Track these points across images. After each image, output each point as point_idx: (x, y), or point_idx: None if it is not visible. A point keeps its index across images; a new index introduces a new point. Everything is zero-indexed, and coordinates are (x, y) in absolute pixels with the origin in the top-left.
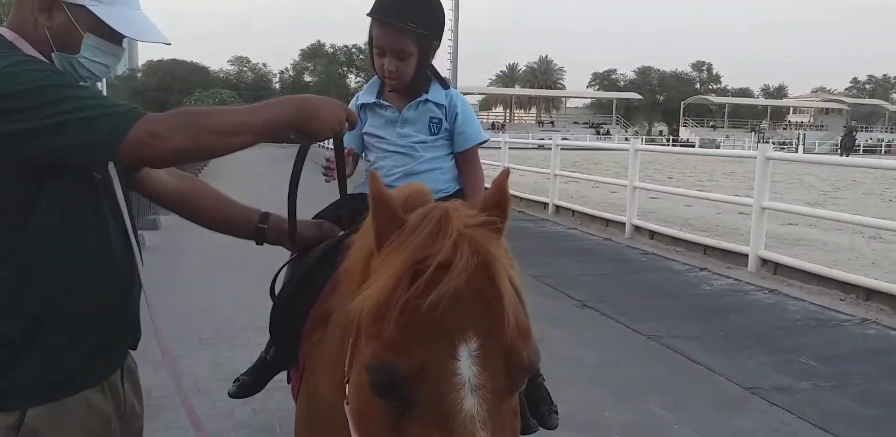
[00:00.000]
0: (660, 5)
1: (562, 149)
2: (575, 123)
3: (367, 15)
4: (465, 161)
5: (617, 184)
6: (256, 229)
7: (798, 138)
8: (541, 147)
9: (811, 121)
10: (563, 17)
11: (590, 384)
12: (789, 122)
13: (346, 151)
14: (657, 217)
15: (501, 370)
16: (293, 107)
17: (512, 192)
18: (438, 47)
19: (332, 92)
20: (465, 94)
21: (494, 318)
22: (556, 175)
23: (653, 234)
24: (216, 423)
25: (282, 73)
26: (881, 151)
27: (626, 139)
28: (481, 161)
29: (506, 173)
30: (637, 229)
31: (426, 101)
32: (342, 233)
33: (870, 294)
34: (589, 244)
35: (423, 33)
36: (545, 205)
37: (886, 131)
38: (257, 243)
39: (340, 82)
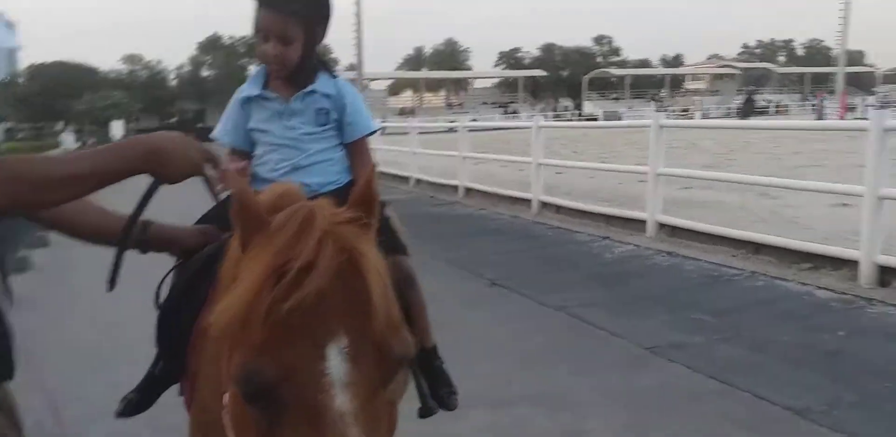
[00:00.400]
0: None
1: (471, 131)
2: (484, 103)
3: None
4: (355, 152)
5: (523, 161)
6: (137, 240)
7: (695, 105)
8: (452, 130)
9: (707, 87)
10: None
11: (500, 359)
12: (686, 89)
13: (242, 165)
14: (563, 191)
15: (373, 364)
16: (133, 153)
17: (423, 177)
18: (325, 35)
19: (235, 84)
20: (372, 79)
21: (364, 314)
22: (464, 157)
23: (558, 208)
24: None
25: (178, 69)
26: (772, 111)
27: (533, 116)
28: (393, 147)
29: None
30: (544, 204)
31: (313, 91)
32: (226, 235)
33: (758, 248)
34: (498, 224)
35: (308, 18)
36: (456, 188)
37: (776, 93)
38: (141, 252)
39: (241, 75)
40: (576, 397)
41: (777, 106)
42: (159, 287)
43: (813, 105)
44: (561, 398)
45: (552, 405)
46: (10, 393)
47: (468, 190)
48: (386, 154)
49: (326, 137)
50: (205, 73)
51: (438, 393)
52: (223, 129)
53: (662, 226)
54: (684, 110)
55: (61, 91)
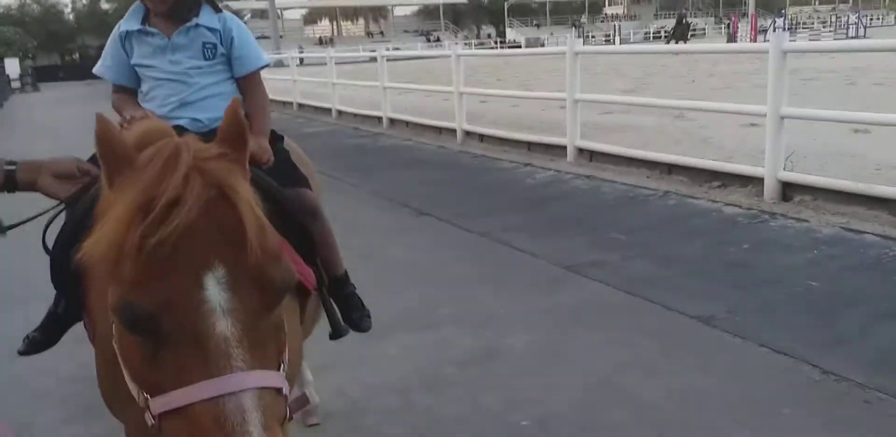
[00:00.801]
0: None
1: (391, 60)
2: (406, 31)
3: None
4: (247, 85)
5: (444, 91)
6: (5, 173)
7: (614, 30)
8: (373, 60)
9: (625, 12)
10: None
11: (425, 286)
12: (606, 14)
13: (143, 113)
14: (487, 120)
15: (253, 292)
16: None
17: (345, 108)
18: None
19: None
20: (285, 9)
21: (237, 245)
22: (385, 88)
23: (482, 137)
24: (39, 383)
25: (73, 2)
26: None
27: (456, 44)
28: (311, 78)
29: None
30: (468, 133)
31: (197, 26)
32: None
33: (671, 169)
34: (423, 154)
35: None
36: (380, 119)
37: (692, 16)
38: (9, 191)
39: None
40: (498, 316)
41: (693, 29)
42: (45, 231)
43: (728, 26)
44: (484, 318)
45: (475, 325)
46: None
47: (392, 121)
48: (305, 85)
49: (215, 71)
50: (104, 6)
51: (351, 317)
52: (104, 65)
53: (581, 151)
54: (606, 36)
55: None
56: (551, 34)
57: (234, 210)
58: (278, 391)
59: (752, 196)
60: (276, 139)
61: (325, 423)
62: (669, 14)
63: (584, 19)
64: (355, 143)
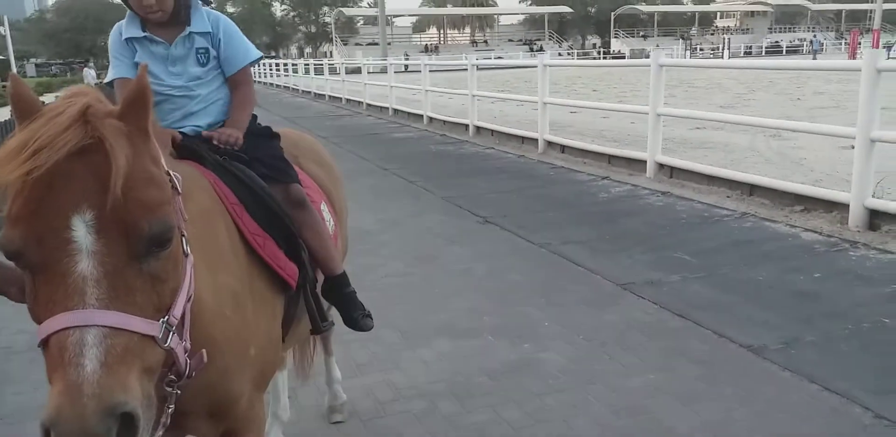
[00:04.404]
0: None
1: (491, 69)
2: (510, 40)
3: None
4: (234, 82)
5: (528, 101)
6: None
7: (723, 43)
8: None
9: (738, 25)
10: None
11: (475, 294)
12: (717, 27)
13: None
14: (574, 131)
15: (119, 237)
16: None
17: (435, 115)
18: None
19: (258, 21)
20: (395, 16)
21: (108, 193)
22: (473, 96)
23: (563, 148)
24: None
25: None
26: (805, 51)
27: (559, 54)
28: (406, 85)
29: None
30: (549, 144)
31: (190, 34)
32: None
33: (753, 190)
34: (502, 163)
35: None
36: (466, 127)
37: (809, 30)
38: None
39: (265, 11)
40: (541, 330)
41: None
42: None
43: (847, 44)
44: (526, 330)
45: (515, 337)
46: None
47: (479, 129)
48: (401, 92)
49: (213, 77)
50: (230, 9)
51: (352, 316)
52: (122, 69)
53: (662, 166)
54: (713, 49)
55: (88, 26)
56: (657, 46)
57: (106, 160)
58: (146, 337)
59: (836, 223)
60: (270, 136)
61: (347, 421)
62: (785, 28)
63: (693, 31)
64: (439, 149)
